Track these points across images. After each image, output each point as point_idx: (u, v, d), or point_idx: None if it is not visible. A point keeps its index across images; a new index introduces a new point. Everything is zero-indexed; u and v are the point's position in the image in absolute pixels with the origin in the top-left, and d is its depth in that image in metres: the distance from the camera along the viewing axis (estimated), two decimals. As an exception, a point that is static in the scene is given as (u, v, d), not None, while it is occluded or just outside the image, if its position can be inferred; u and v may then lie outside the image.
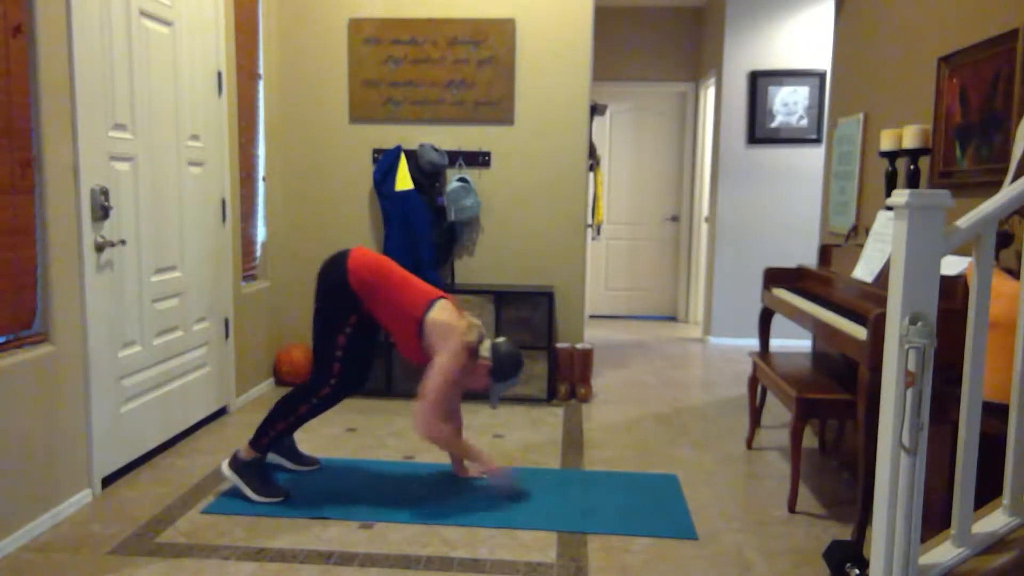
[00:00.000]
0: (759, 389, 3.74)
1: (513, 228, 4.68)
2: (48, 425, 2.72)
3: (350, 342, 2.96)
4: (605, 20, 7.03)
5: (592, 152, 5.01)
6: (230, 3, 4.00)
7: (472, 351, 2.96)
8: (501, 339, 3.05)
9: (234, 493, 2.99)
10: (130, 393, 3.22)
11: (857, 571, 2.21)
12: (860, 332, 2.61)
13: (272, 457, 3.26)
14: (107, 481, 3.08)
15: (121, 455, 3.16)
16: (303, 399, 2.99)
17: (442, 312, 2.92)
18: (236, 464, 2.98)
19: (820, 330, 3.00)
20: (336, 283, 2.94)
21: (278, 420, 2.99)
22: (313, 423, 3.95)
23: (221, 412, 4.03)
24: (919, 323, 1.71)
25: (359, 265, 2.95)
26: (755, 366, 3.59)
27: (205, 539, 2.65)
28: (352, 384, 3.04)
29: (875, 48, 3.88)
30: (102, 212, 2.97)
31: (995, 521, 1.95)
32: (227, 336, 4.04)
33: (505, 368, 2.98)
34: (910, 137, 3.16)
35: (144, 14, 3.23)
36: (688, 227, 7.23)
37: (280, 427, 2.99)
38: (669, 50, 7.07)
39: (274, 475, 3.11)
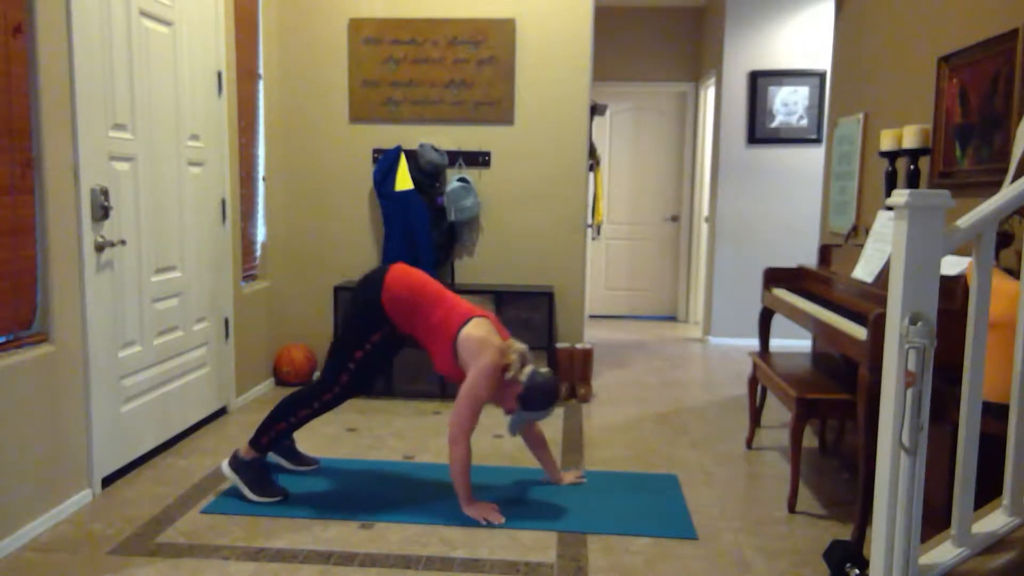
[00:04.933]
0: (759, 389, 3.74)
1: (513, 228, 4.68)
2: (48, 425, 2.72)
3: (367, 357, 2.96)
4: (605, 20, 7.03)
5: (592, 152, 5.01)
6: (230, 3, 4.00)
7: (507, 372, 2.87)
8: (545, 370, 2.94)
9: (234, 493, 2.99)
10: (130, 393, 3.22)
11: (857, 571, 2.21)
12: (860, 332, 2.61)
13: (271, 457, 3.26)
14: (107, 481, 3.08)
15: (121, 455, 3.16)
16: (306, 403, 2.99)
17: (476, 328, 2.87)
18: (236, 463, 2.98)
19: (820, 330, 3.00)
20: (369, 297, 2.93)
21: (279, 420, 2.99)
22: (314, 423, 3.95)
23: (221, 412, 4.03)
24: (919, 323, 1.71)
25: (395, 282, 2.93)
26: (755, 366, 3.59)
27: (205, 539, 2.65)
28: (354, 393, 3.05)
29: (875, 48, 3.88)
30: (102, 212, 2.97)
31: (995, 521, 1.95)
32: (227, 336, 4.04)
33: (534, 398, 2.87)
34: (910, 137, 3.16)
35: (144, 14, 3.23)
36: (688, 227, 7.22)
37: (281, 427, 2.99)
38: (669, 50, 7.07)
39: (273, 475, 3.11)
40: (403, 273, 2.98)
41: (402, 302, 2.91)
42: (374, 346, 2.95)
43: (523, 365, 2.90)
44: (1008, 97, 2.70)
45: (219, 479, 3.16)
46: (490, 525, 2.77)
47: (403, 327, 2.96)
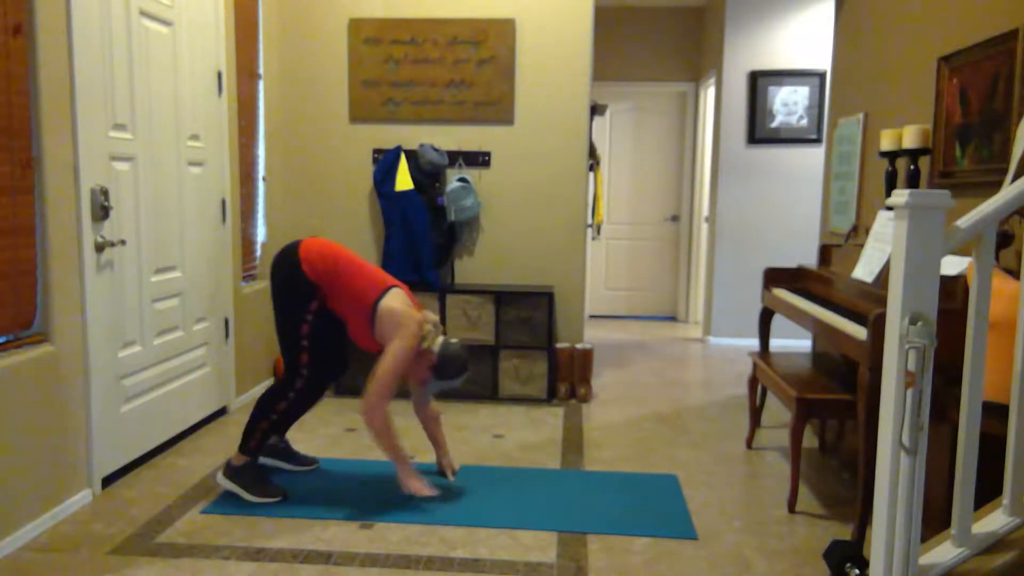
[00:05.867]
0: (759, 389, 3.74)
1: (513, 228, 4.68)
2: (48, 425, 2.72)
3: (314, 329, 2.94)
4: (605, 20, 7.03)
5: (592, 152, 5.01)
6: (230, 3, 4.00)
7: (423, 343, 2.92)
8: (455, 340, 3.02)
9: (234, 494, 2.99)
10: (130, 393, 3.22)
11: (857, 571, 2.21)
12: (860, 332, 2.61)
13: (269, 461, 3.26)
14: (107, 481, 3.08)
15: (121, 455, 3.16)
16: (280, 396, 2.97)
17: (395, 300, 2.90)
18: (229, 471, 2.98)
19: (820, 330, 3.00)
20: (289, 271, 2.93)
21: (260, 420, 2.97)
22: (313, 423, 3.95)
23: (221, 412, 4.03)
24: (919, 323, 1.71)
25: (310, 252, 2.93)
26: (755, 366, 3.59)
27: (205, 539, 2.65)
28: (326, 373, 3.04)
29: (875, 48, 3.88)
30: (102, 212, 2.97)
31: (995, 521, 1.95)
32: (227, 336, 4.04)
33: (448, 368, 2.95)
34: (910, 137, 3.16)
35: (144, 14, 3.23)
36: (688, 227, 7.22)
37: (264, 427, 2.97)
38: (669, 50, 7.07)
39: (271, 476, 3.11)
40: (316, 243, 2.98)
41: (321, 271, 2.91)
42: (315, 315, 2.93)
43: (436, 334, 2.97)
44: (1008, 97, 2.70)
45: (219, 479, 3.16)
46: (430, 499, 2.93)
47: (326, 297, 2.95)
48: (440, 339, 2.98)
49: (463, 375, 3.00)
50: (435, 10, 4.54)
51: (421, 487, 2.96)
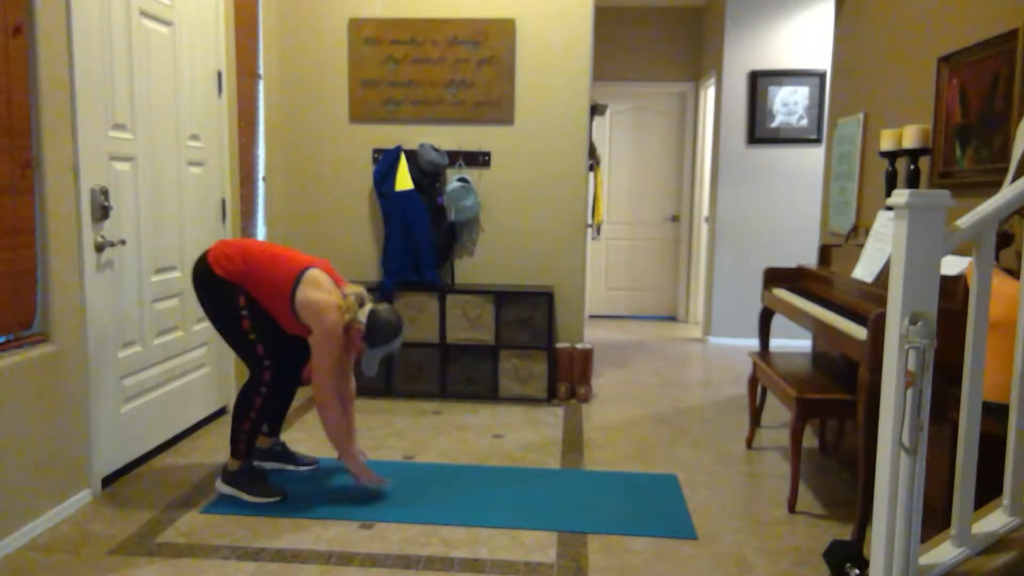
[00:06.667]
0: (759, 389, 3.74)
1: (513, 228, 4.68)
2: (48, 425, 2.72)
3: (255, 322, 2.91)
4: (605, 20, 7.03)
5: (592, 152, 5.01)
6: (230, 3, 3.99)
7: (347, 317, 2.89)
8: (383, 306, 2.98)
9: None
10: (130, 393, 3.22)
11: (857, 571, 2.21)
12: (860, 332, 2.61)
13: (270, 464, 3.26)
14: (107, 481, 3.08)
15: (121, 455, 3.16)
16: (253, 393, 2.95)
17: (310, 288, 2.83)
18: (227, 477, 2.99)
19: (820, 330, 3.00)
20: (206, 279, 2.90)
21: (241, 421, 2.95)
22: (313, 423, 3.95)
23: (221, 412, 4.03)
24: (919, 323, 1.71)
25: (218, 256, 2.90)
26: (755, 366, 3.59)
27: (205, 539, 2.65)
28: (288, 359, 3.04)
29: (875, 48, 3.88)
30: (102, 212, 2.97)
31: (995, 521, 1.95)
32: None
33: (378, 334, 2.90)
34: (910, 137, 3.16)
35: (144, 14, 3.23)
36: (688, 227, 7.22)
37: (246, 428, 2.95)
38: (669, 50, 7.07)
39: (270, 477, 3.11)
40: (221, 245, 2.95)
41: (233, 271, 2.87)
42: (248, 308, 2.89)
43: (361, 307, 2.93)
44: (1008, 97, 2.70)
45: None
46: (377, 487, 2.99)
47: (250, 291, 2.91)
48: (367, 308, 2.93)
49: (398, 338, 2.95)
50: (435, 10, 4.54)
51: (374, 477, 3.00)
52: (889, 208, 3.14)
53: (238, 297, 2.89)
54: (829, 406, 2.95)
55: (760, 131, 6.06)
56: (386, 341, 2.92)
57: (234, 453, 2.98)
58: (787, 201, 6.14)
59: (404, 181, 4.50)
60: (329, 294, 2.86)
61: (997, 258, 2.53)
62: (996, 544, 1.91)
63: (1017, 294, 2.08)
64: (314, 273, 2.89)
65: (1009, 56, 2.69)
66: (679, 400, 4.56)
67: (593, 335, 6.53)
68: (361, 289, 2.99)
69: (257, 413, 2.96)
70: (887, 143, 3.31)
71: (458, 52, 4.55)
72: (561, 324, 4.71)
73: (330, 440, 2.96)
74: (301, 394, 4.50)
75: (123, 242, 3.10)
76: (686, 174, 7.20)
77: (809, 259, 6.10)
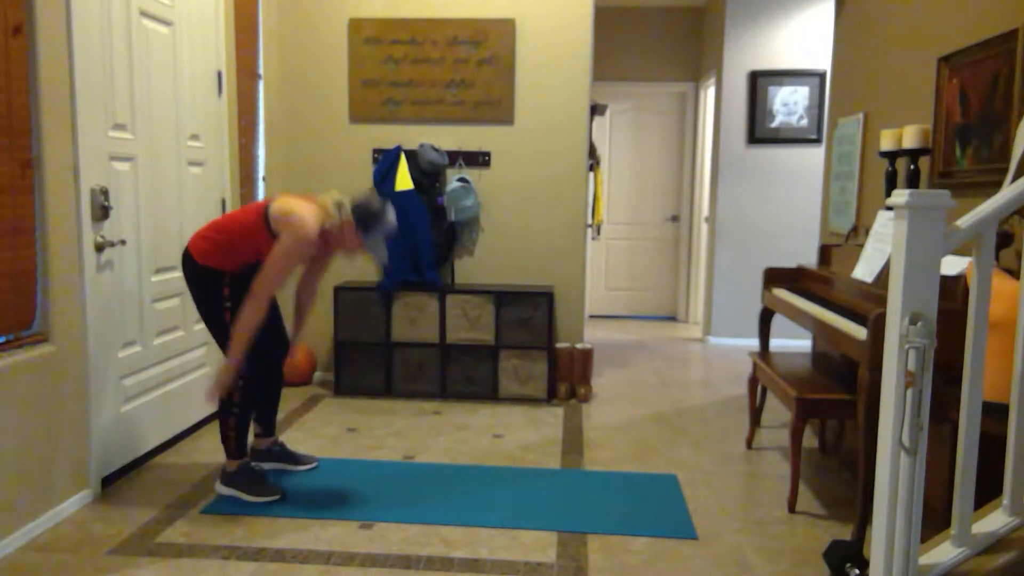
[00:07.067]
0: (759, 389, 3.74)
1: (513, 228, 4.68)
2: (48, 425, 2.72)
3: (236, 314, 2.88)
4: (605, 20, 7.03)
5: (592, 152, 5.01)
6: (230, 3, 3.99)
7: (329, 221, 2.85)
8: (358, 192, 2.94)
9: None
10: (130, 393, 3.22)
11: (857, 571, 2.21)
12: (860, 332, 2.61)
13: (269, 465, 3.26)
14: (107, 481, 3.08)
15: (121, 455, 3.16)
16: (232, 389, 2.95)
17: (284, 203, 2.81)
18: (226, 478, 2.99)
19: (820, 330, 3.00)
20: (192, 270, 2.89)
21: (226, 419, 2.96)
22: (313, 423, 3.96)
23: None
24: (919, 323, 1.71)
25: (196, 243, 2.89)
26: (755, 366, 3.59)
27: (205, 539, 2.65)
28: (265, 353, 3.04)
29: (875, 48, 3.88)
30: (102, 212, 2.97)
31: (995, 521, 1.95)
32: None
33: (369, 218, 2.84)
34: (910, 137, 3.16)
35: (144, 14, 3.23)
36: (688, 227, 7.22)
37: (232, 424, 2.96)
38: (669, 50, 7.07)
39: (268, 477, 3.11)
40: (197, 233, 2.93)
41: (211, 250, 2.85)
42: (232, 300, 2.89)
43: (341, 207, 2.88)
44: (1008, 97, 2.70)
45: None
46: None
47: (235, 267, 2.90)
48: (345, 205, 2.87)
49: (388, 212, 2.88)
50: (435, 10, 4.54)
51: (218, 391, 2.86)
52: (889, 208, 3.14)
53: (222, 288, 2.89)
54: (829, 406, 2.95)
55: (760, 131, 6.06)
56: (380, 221, 2.86)
57: (227, 453, 2.99)
58: (787, 201, 6.14)
59: (404, 181, 4.50)
60: (305, 205, 2.83)
61: (997, 258, 2.53)
62: (996, 544, 1.91)
63: (1017, 294, 2.08)
64: (281, 197, 2.88)
65: (1009, 56, 2.69)
66: (679, 400, 4.56)
67: (593, 335, 6.53)
68: (332, 192, 2.94)
69: (240, 408, 2.97)
70: (887, 143, 3.31)
71: (458, 52, 4.55)
72: (561, 324, 4.71)
73: (232, 336, 2.79)
74: (301, 394, 4.50)
75: (123, 242, 3.10)
76: (686, 174, 7.20)
77: (809, 259, 6.10)
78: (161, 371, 3.44)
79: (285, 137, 4.72)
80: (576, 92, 4.56)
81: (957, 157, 3.04)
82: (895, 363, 1.76)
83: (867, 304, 2.90)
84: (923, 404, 1.73)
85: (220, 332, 2.93)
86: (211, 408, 3.89)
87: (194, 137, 3.67)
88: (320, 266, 3.14)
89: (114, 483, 3.11)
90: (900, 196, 1.72)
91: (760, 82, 6.02)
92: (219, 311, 2.90)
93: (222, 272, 2.88)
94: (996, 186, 2.70)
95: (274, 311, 3.11)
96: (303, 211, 2.79)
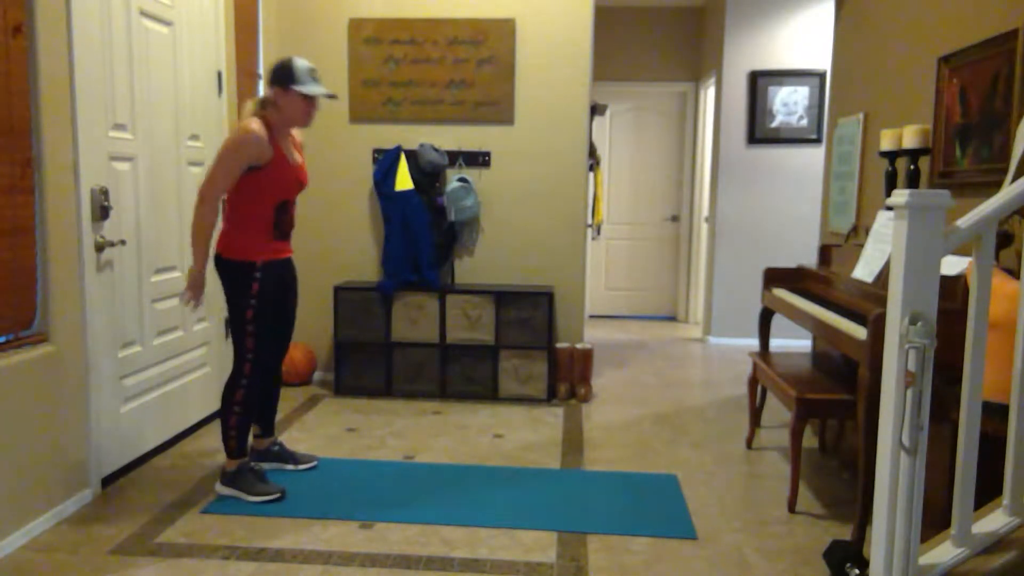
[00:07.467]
0: (759, 389, 3.74)
1: (513, 228, 4.68)
2: (48, 425, 2.72)
3: (257, 315, 2.95)
4: (605, 20, 7.03)
5: (592, 152, 5.01)
6: (230, 3, 3.99)
7: (265, 110, 2.92)
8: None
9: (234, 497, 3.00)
10: (130, 393, 3.22)
11: (857, 571, 2.21)
12: (860, 332, 2.61)
13: (269, 465, 3.26)
14: (107, 481, 3.08)
15: (121, 455, 3.16)
16: (235, 384, 2.97)
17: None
18: (226, 479, 3.00)
19: (820, 330, 3.00)
20: (220, 266, 2.95)
21: (228, 417, 2.98)
22: (313, 423, 3.96)
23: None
24: (919, 323, 1.71)
25: (217, 239, 2.98)
26: (755, 366, 3.59)
27: (205, 539, 2.65)
28: (269, 356, 3.07)
29: (875, 48, 3.88)
30: (102, 212, 2.97)
31: (995, 521, 1.95)
32: (227, 336, 4.04)
33: (280, 72, 2.89)
34: (910, 137, 3.16)
35: (144, 14, 3.23)
36: (688, 227, 7.22)
37: (233, 422, 2.97)
38: (669, 50, 7.07)
39: (268, 476, 3.11)
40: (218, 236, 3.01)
41: (234, 234, 2.94)
42: (258, 299, 2.94)
43: (263, 98, 2.96)
44: (1008, 97, 2.70)
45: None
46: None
47: (260, 240, 2.96)
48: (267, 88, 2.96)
49: (296, 60, 2.91)
50: (435, 10, 4.54)
51: (195, 295, 2.89)
52: (889, 208, 3.14)
53: (251, 284, 2.93)
54: (829, 406, 2.95)
55: (760, 131, 6.06)
56: (291, 67, 2.89)
57: (228, 452, 2.99)
58: (787, 201, 6.14)
59: (404, 181, 4.50)
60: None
61: (997, 258, 2.53)
62: (996, 544, 1.91)
63: (1017, 294, 2.08)
64: None
65: (1009, 56, 2.69)
66: (679, 400, 4.56)
67: (593, 335, 6.53)
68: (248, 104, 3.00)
69: (242, 407, 2.98)
70: (887, 143, 3.31)
71: (458, 52, 4.55)
72: (561, 324, 4.71)
73: (191, 238, 2.88)
74: (300, 394, 4.51)
75: (123, 242, 3.10)
76: (686, 174, 7.20)
77: (809, 259, 6.10)
78: (161, 371, 3.44)
79: (285, 137, 4.71)
80: (576, 92, 4.56)
81: (957, 157, 3.04)
82: (895, 363, 1.76)
83: (867, 304, 2.90)
84: (923, 404, 1.73)
85: (238, 327, 2.96)
86: (211, 409, 3.89)
87: (194, 137, 3.67)
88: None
89: (114, 483, 3.11)
90: (900, 196, 1.73)
91: (760, 82, 6.02)
92: (244, 307, 2.94)
93: (251, 264, 2.92)
94: (996, 186, 2.70)
95: (282, 309, 3.13)
96: (243, 120, 2.87)
